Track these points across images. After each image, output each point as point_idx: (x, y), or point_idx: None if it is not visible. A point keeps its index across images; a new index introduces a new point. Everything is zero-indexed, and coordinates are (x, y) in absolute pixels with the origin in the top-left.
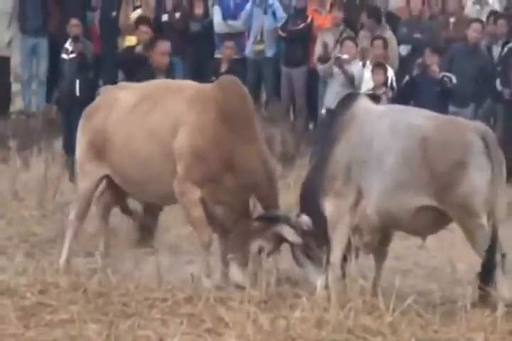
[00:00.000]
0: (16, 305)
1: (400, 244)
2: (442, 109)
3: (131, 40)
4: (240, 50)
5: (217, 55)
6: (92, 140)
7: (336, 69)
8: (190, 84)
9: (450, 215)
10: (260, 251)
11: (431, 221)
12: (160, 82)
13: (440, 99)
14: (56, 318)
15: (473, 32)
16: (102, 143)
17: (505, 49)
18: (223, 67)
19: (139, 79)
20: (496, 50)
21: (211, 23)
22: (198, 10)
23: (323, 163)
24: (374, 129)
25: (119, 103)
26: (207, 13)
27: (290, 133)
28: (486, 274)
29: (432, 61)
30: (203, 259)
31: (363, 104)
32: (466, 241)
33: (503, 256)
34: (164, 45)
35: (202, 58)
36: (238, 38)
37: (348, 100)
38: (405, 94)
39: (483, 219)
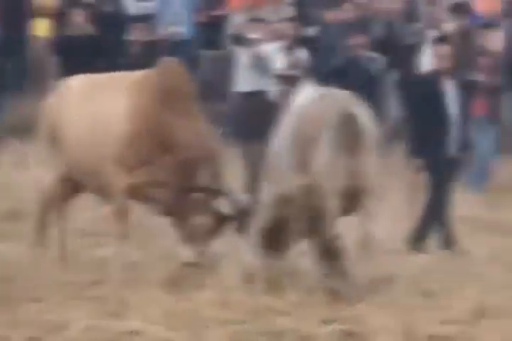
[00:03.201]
0: None
1: None
2: (371, 91)
3: (39, 24)
4: (152, 32)
5: (129, 37)
6: (47, 129)
7: (245, 50)
8: (135, 72)
9: None
10: (202, 226)
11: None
12: (109, 73)
13: (369, 81)
14: None
15: (347, 11)
16: (55, 132)
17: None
18: (135, 49)
19: (71, 60)
20: None
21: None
22: None
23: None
24: (286, 119)
25: (70, 92)
26: None
27: (207, 114)
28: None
29: (360, 42)
30: (119, 250)
31: (302, 93)
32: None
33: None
34: None
35: (114, 40)
36: (150, 19)
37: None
38: (334, 77)
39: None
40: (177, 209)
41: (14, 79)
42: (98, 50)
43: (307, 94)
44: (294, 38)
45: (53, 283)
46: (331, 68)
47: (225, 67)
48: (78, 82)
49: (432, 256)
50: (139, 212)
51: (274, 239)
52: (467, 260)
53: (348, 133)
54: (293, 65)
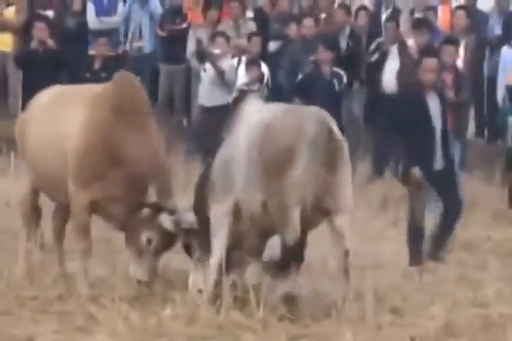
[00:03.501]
0: None
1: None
2: (336, 107)
3: (3, 38)
4: (114, 47)
5: (91, 52)
6: (19, 142)
7: (208, 65)
8: (94, 86)
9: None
10: (150, 242)
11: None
12: (72, 86)
13: (333, 96)
14: None
15: (306, 28)
16: (22, 144)
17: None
18: (97, 64)
19: (33, 75)
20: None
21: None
22: (76, 6)
23: (211, 165)
24: (241, 131)
25: (38, 105)
26: (84, 10)
27: (166, 129)
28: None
29: (324, 58)
30: (81, 265)
31: (249, 106)
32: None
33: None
34: None
35: (76, 55)
36: (112, 34)
37: (238, 101)
38: (299, 92)
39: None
40: (127, 226)
41: None
42: (59, 64)
43: (262, 110)
44: (256, 53)
45: (19, 297)
46: (296, 83)
47: (185, 81)
48: (46, 95)
49: (399, 272)
50: (102, 226)
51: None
52: (435, 277)
53: (327, 147)
54: (255, 80)
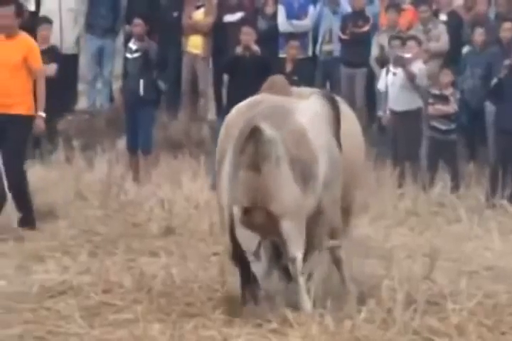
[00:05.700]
0: (80, 304)
1: (467, 245)
2: None
3: (193, 40)
4: (304, 50)
5: (281, 55)
6: None
7: (398, 69)
8: None
9: None
10: None
11: None
12: None
13: None
14: (120, 318)
15: (504, 31)
16: None
17: None
18: (288, 67)
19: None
20: None
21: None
22: (269, 8)
23: None
24: None
25: None
26: (276, 12)
27: None
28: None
29: None
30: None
31: None
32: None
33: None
34: None
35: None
36: (302, 37)
37: None
38: (493, 96)
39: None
40: None
41: (168, 95)
42: (265, 69)
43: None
44: (445, 57)
45: (210, 300)
46: (490, 87)
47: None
48: None
49: None
50: None
51: None
52: None
53: (252, 148)
54: (447, 84)
